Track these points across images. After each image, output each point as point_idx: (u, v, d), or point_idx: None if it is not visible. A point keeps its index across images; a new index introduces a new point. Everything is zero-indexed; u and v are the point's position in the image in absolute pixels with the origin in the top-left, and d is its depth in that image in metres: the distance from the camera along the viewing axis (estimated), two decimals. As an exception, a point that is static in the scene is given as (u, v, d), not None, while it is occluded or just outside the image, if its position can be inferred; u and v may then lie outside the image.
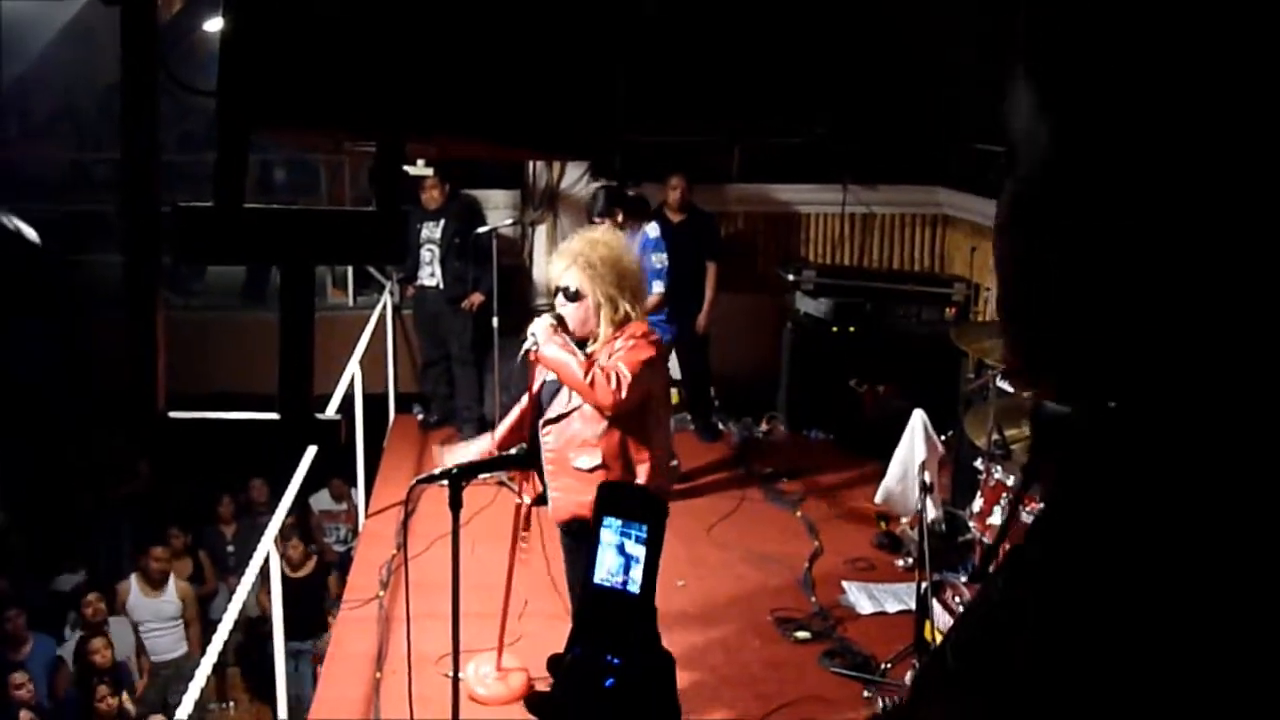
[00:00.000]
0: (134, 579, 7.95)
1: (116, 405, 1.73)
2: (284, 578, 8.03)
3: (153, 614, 7.90)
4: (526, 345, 4.25)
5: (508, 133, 1.75)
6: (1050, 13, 0.79)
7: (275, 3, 1.56)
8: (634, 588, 1.52)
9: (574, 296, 4.20)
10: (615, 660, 1.49)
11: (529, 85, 1.63)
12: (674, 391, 7.47)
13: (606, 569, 1.54)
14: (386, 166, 1.76)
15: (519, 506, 4.75)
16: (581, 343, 4.19)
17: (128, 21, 1.60)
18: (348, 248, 1.81)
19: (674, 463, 5.53)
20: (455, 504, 3.04)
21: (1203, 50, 0.68)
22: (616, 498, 1.58)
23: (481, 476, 3.84)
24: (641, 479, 4.25)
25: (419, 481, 3.31)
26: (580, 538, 4.34)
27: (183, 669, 7.83)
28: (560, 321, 4.21)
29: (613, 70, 1.69)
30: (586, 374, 4.06)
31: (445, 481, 3.23)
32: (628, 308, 4.18)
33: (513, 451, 3.67)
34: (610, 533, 1.55)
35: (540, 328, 4.21)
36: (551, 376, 4.26)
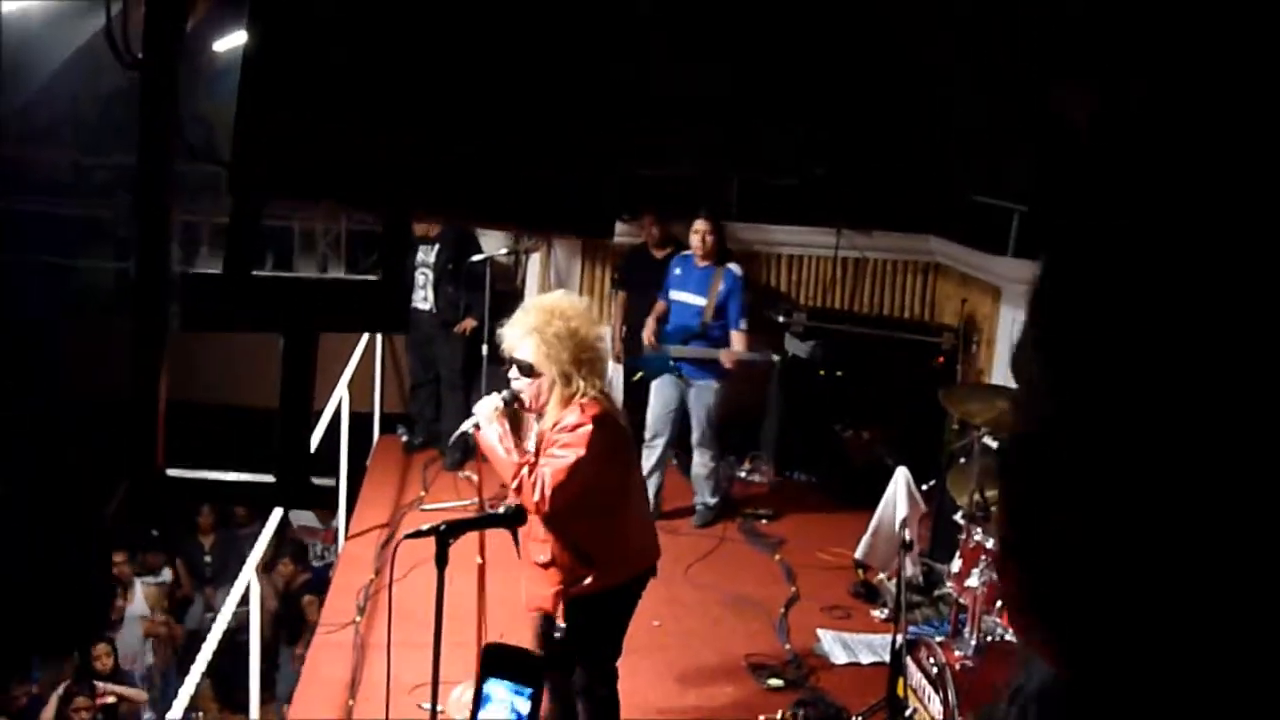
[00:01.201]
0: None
1: (118, 458, 1.76)
2: (276, 591, 8.06)
3: (128, 620, 7.91)
4: (466, 426, 4.24)
5: (513, 214, 1.79)
6: (1069, 296, 0.83)
7: (290, 79, 1.59)
8: None
9: (528, 372, 4.08)
10: None
11: (535, 170, 1.67)
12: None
13: None
14: (393, 239, 1.80)
15: (481, 566, 4.76)
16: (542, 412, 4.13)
17: (147, 87, 1.63)
18: (353, 316, 1.85)
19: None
20: (441, 561, 3.06)
21: (1224, 350, 0.72)
22: (501, 660, 1.67)
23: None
24: (596, 571, 4.17)
25: (407, 536, 3.33)
26: (567, 616, 4.29)
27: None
28: (514, 400, 4.13)
29: (615, 155, 1.72)
30: (514, 477, 4.03)
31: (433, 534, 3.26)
32: (582, 383, 4.03)
33: (500, 510, 3.68)
34: (497, 694, 1.64)
35: (484, 409, 4.17)
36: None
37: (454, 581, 3.16)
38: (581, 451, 3.98)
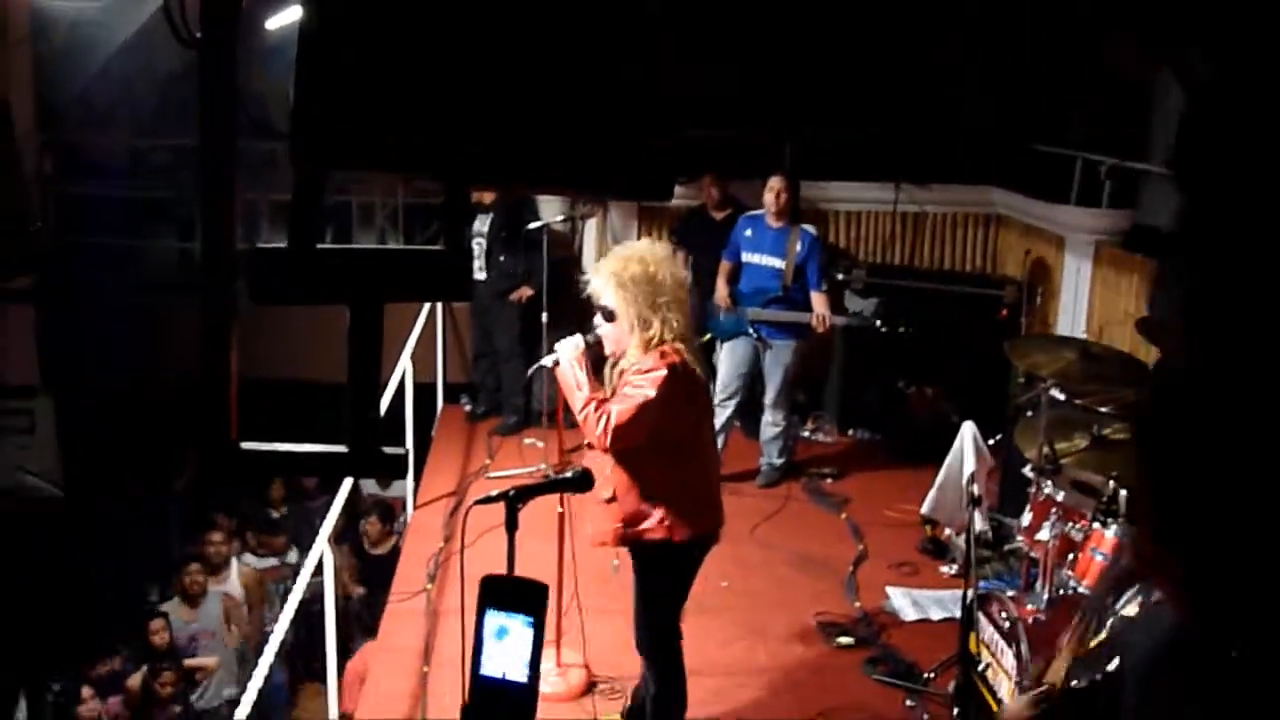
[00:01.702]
0: (174, 603, 7.91)
1: (191, 434, 1.79)
2: (363, 553, 8.14)
3: (212, 597, 8.00)
4: (546, 360, 4.36)
5: (571, 180, 1.79)
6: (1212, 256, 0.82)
7: (349, 49, 1.59)
8: (519, 676, 1.57)
9: (610, 317, 4.17)
10: None
11: (591, 134, 1.66)
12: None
13: (493, 661, 1.59)
14: (453, 208, 1.80)
15: (562, 515, 4.87)
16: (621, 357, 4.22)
17: (206, 66, 1.64)
18: (417, 286, 1.86)
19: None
20: (511, 526, 3.08)
21: None
22: (499, 591, 1.64)
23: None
24: (658, 514, 4.23)
25: (477, 502, 3.35)
26: (633, 559, 4.44)
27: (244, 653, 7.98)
28: (597, 342, 4.23)
29: (670, 120, 1.71)
30: (582, 409, 4.12)
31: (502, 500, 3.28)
32: (659, 327, 4.09)
33: (568, 474, 3.70)
34: (494, 624, 1.61)
35: (566, 348, 4.26)
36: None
37: (524, 546, 3.18)
38: (650, 394, 4.04)
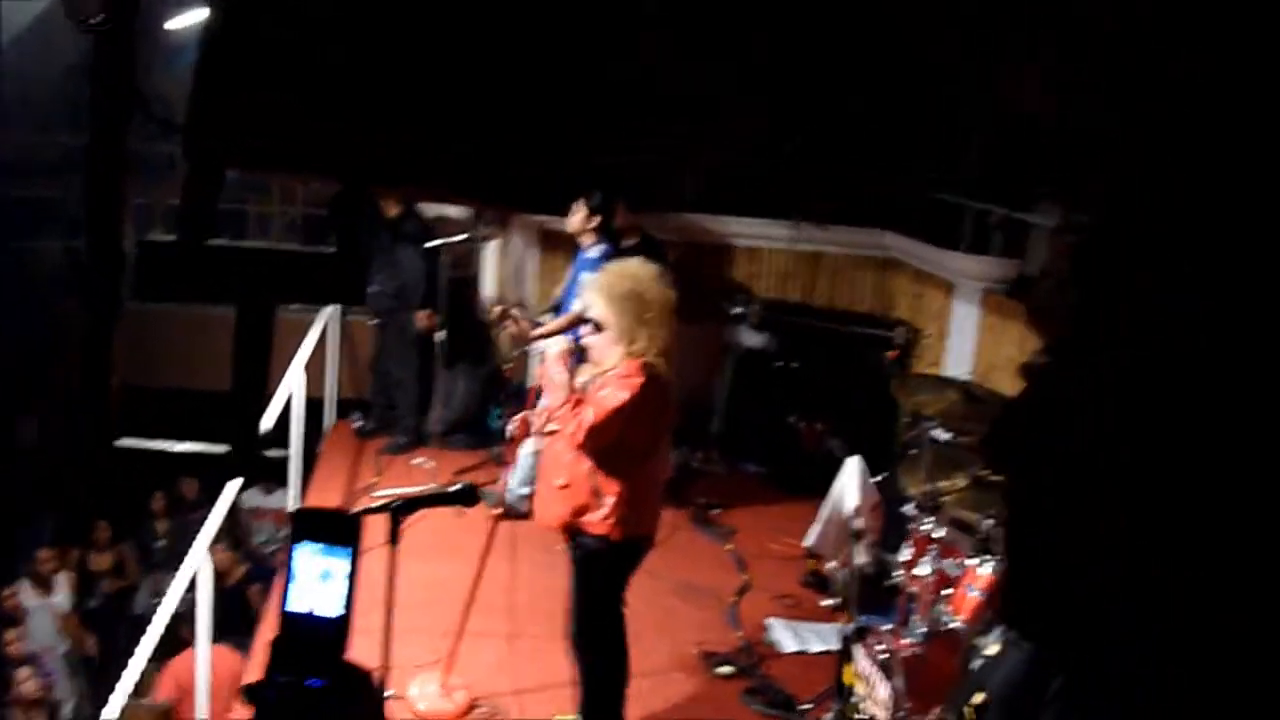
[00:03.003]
0: (25, 583, 7.85)
1: (69, 431, 1.75)
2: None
3: (42, 614, 7.86)
4: (534, 353, 4.52)
5: (471, 189, 1.79)
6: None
7: (248, 50, 1.59)
8: (332, 611, 1.51)
9: (598, 329, 4.40)
10: (316, 684, 1.48)
11: (493, 145, 1.67)
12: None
13: (303, 596, 1.53)
14: (349, 209, 1.79)
15: (494, 520, 5.14)
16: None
17: (101, 53, 1.62)
18: (309, 288, 1.85)
19: None
20: (394, 539, 3.05)
21: None
22: (312, 523, 1.58)
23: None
24: (604, 510, 4.43)
25: (359, 513, 3.30)
26: (571, 549, 4.63)
27: (73, 662, 7.82)
28: (581, 350, 4.48)
29: (577, 137, 1.73)
30: (560, 407, 4.37)
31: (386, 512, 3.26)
32: (643, 342, 4.33)
33: (452, 489, 3.71)
34: (307, 558, 1.54)
35: (554, 346, 4.54)
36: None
37: (405, 567, 3.15)
38: (624, 397, 4.27)
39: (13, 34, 8.37)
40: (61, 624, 7.82)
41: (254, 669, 5.59)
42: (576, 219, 7.11)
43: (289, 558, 1.48)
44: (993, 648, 2.85)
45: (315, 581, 1.50)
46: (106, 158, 1.34)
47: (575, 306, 6.87)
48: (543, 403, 6.41)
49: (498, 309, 6.94)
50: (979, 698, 2.76)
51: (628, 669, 4.79)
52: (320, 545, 1.50)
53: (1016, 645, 2.71)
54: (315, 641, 1.49)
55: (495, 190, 1.57)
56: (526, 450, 7.10)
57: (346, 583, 1.48)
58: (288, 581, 1.48)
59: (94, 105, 1.34)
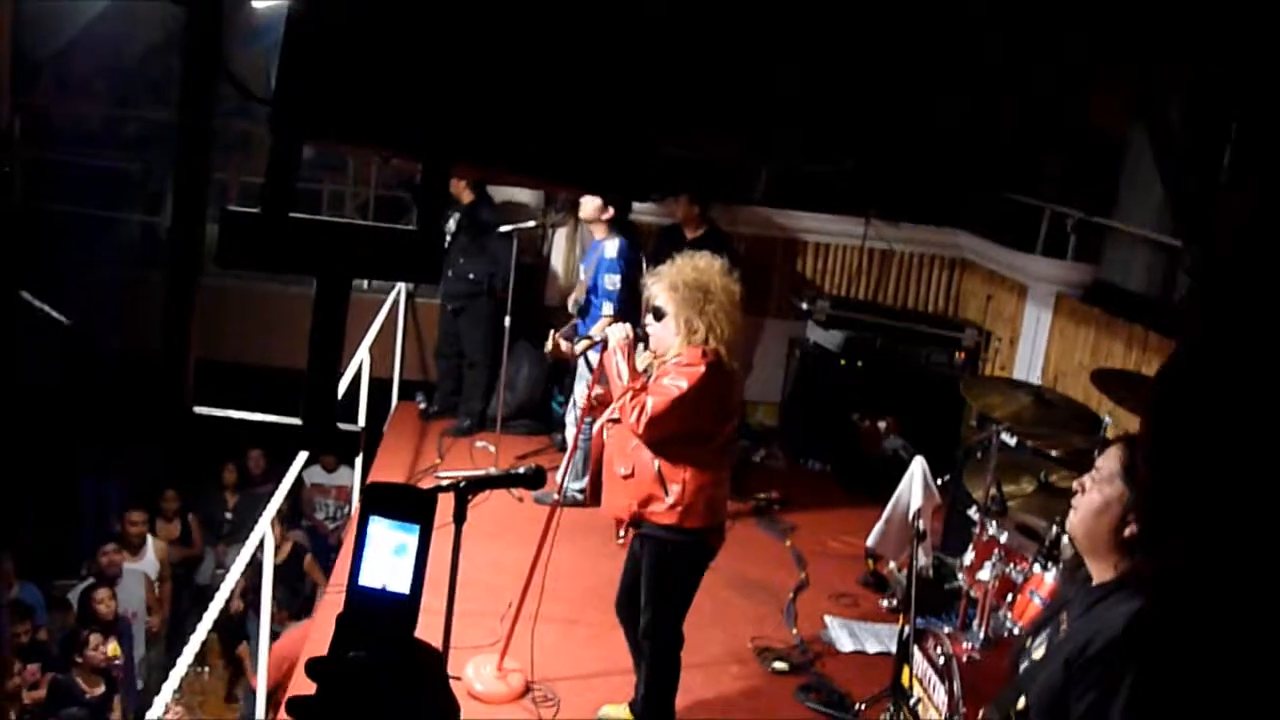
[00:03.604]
0: (113, 545, 7.95)
1: (143, 397, 1.77)
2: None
3: (132, 578, 7.94)
4: (596, 337, 4.75)
5: (553, 170, 1.78)
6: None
7: (336, 19, 1.59)
8: (401, 588, 1.49)
9: (659, 316, 4.41)
10: (382, 662, 1.47)
11: (577, 125, 1.67)
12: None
13: (373, 571, 1.51)
14: (431, 188, 1.79)
15: (554, 507, 5.08)
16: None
17: (194, 20, 1.63)
18: (387, 264, 1.85)
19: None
20: (459, 517, 3.07)
21: None
22: (384, 496, 1.55)
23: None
24: (670, 499, 4.41)
25: (435, 490, 3.34)
26: (639, 541, 4.63)
27: (153, 627, 7.92)
28: (644, 337, 4.50)
29: (654, 116, 1.72)
30: (620, 397, 4.38)
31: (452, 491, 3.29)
32: (704, 331, 4.32)
33: (521, 470, 3.73)
34: (379, 533, 1.53)
35: (615, 333, 4.54)
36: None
37: (489, 549, 3.17)
38: (684, 385, 4.27)
39: (97, 10, 8.51)
40: (149, 591, 7.89)
41: (317, 644, 5.66)
42: (589, 207, 7.14)
43: (360, 531, 1.48)
44: (1039, 651, 2.79)
45: (387, 556, 1.48)
46: (194, 131, 1.36)
47: (606, 309, 6.91)
48: (581, 390, 6.48)
49: (549, 344, 6.92)
50: (1023, 702, 2.71)
51: (679, 668, 4.77)
52: (392, 520, 1.49)
53: (1059, 648, 2.67)
54: (384, 618, 1.48)
55: (579, 175, 1.58)
56: (572, 441, 7.13)
57: (417, 559, 1.47)
58: (358, 555, 1.47)
59: (184, 78, 1.35)
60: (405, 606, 1.54)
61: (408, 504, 1.58)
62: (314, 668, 1.55)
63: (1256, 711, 0.84)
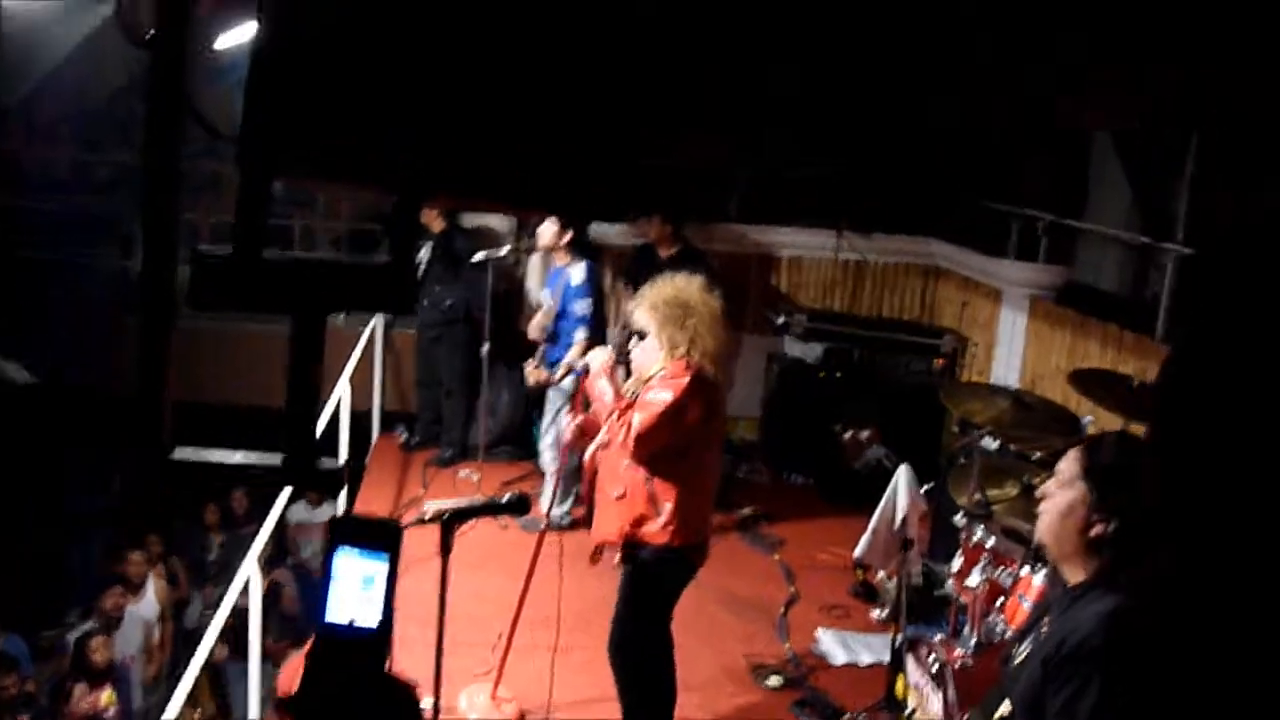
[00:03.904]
0: (118, 588, 7.85)
1: (122, 440, 1.76)
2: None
3: (130, 619, 7.85)
4: (577, 367, 4.78)
5: (527, 197, 1.79)
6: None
7: (304, 54, 1.59)
8: (369, 622, 1.47)
9: (642, 336, 4.45)
10: (355, 697, 1.45)
11: (548, 152, 1.67)
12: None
13: (341, 606, 1.48)
14: (403, 219, 1.79)
15: (541, 534, 5.15)
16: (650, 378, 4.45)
17: (158, 62, 1.63)
18: (362, 298, 1.85)
19: None
20: (446, 548, 3.06)
21: None
22: (350, 529, 1.52)
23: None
24: (662, 518, 4.40)
25: (409, 524, 3.33)
26: (623, 563, 4.61)
27: (153, 670, 7.83)
28: (624, 358, 4.58)
29: (630, 139, 1.72)
30: (608, 418, 4.41)
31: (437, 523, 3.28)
32: (686, 347, 4.34)
33: (505, 499, 3.72)
34: (346, 565, 1.49)
35: (597, 359, 4.57)
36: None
37: (474, 579, 3.16)
38: (670, 397, 4.29)
39: (62, 54, 8.50)
40: (145, 635, 7.79)
41: (290, 680, 5.63)
42: (547, 234, 7.17)
43: (326, 564, 1.46)
44: (1022, 655, 2.82)
45: (355, 589, 1.47)
46: (161, 171, 1.35)
47: (579, 335, 6.93)
48: (551, 417, 6.51)
49: (529, 379, 7.00)
50: (1006, 707, 2.74)
51: (675, 683, 4.76)
52: (360, 550, 1.47)
53: (1038, 649, 2.69)
54: (355, 652, 1.46)
55: (553, 200, 1.57)
56: (550, 468, 7.15)
57: (386, 590, 1.45)
58: (324, 589, 1.45)
59: (149, 119, 1.35)
60: (374, 640, 1.51)
61: (375, 534, 1.56)
62: (288, 705, 1.53)
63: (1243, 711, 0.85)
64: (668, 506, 4.39)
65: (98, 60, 8.90)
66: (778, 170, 9.40)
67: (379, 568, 1.48)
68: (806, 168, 9.40)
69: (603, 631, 4.94)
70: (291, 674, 5.79)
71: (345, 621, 1.47)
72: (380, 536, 1.51)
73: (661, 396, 4.30)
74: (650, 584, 4.60)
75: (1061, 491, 2.70)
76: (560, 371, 6.95)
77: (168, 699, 4.15)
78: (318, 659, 1.47)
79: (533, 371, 7.07)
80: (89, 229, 9.72)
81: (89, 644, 7.05)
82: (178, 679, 4.79)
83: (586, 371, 4.65)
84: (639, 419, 4.29)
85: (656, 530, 4.43)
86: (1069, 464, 2.72)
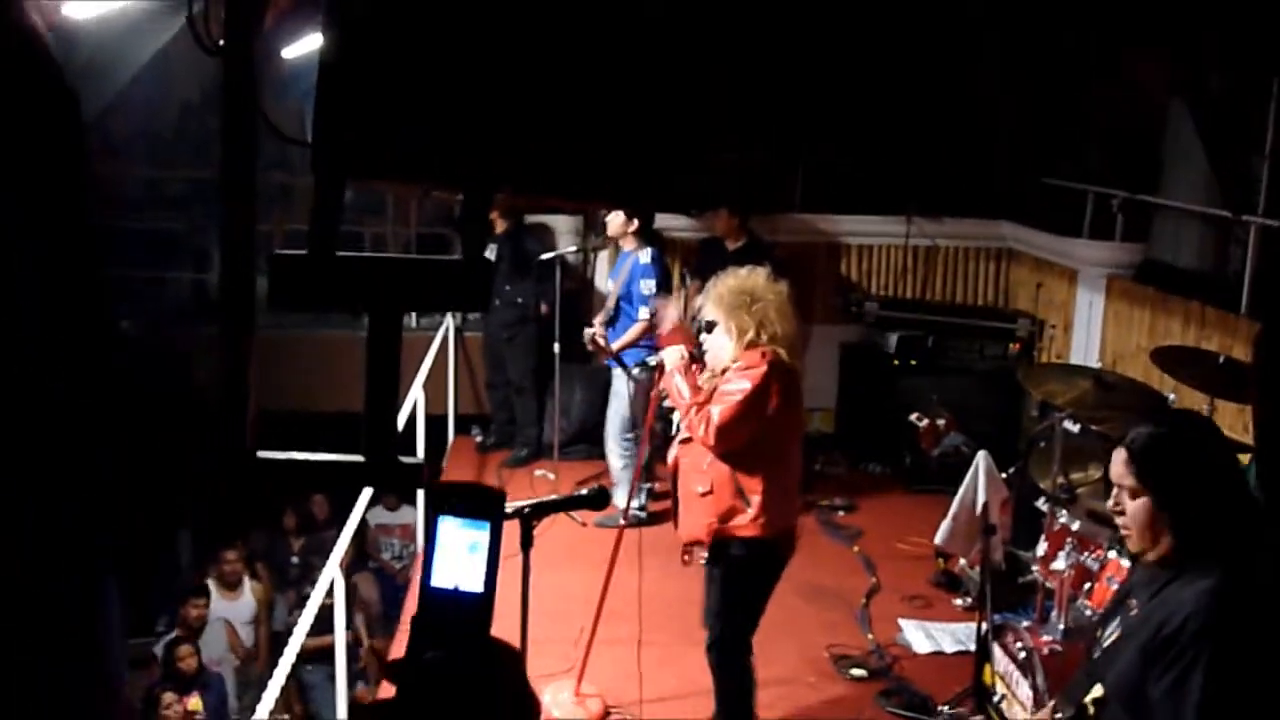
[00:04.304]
0: (211, 583, 8.00)
1: (207, 441, 1.78)
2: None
3: (233, 616, 7.98)
4: (653, 360, 4.77)
5: (593, 190, 1.79)
6: None
7: (372, 57, 1.60)
8: (475, 587, 1.46)
9: (711, 328, 4.43)
10: (461, 660, 1.44)
11: (615, 143, 1.66)
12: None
13: (446, 571, 1.48)
14: (474, 217, 1.80)
15: (620, 530, 5.16)
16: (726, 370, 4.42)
17: (229, 71, 1.65)
18: (435, 296, 1.86)
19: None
20: (526, 543, 3.07)
21: None
22: (452, 497, 1.52)
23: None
24: (752, 511, 4.35)
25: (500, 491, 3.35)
26: (711, 561, 4.56)
27: (249, 672, 7.94)
28: (700, 355, 4.51)
29: (696, 129, 1.71)
30: (686, 414, 4.36)
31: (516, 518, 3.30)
32: (754, 332, 4.30)
33: (584, 492, 3.72)
34: (449, 533, 1.49)
35: (672, 355, 4.56)
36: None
37: (559, 576, 3.16)
38: (748, 387, 4.24)
39: (133, 72, 8.65)
40: (233, 637, 7.90)
41: (396, 648, 5.69)
42: (616, 222, 7.21)
43: (430, 532, 1.47)
44: (1111, 638, 2.77)
45: (459, 556, 1.47)
46: (237, 181, 1.37)
47: (643, 314, 6.96)
48: (616, 410, 6.52)
49: (589, 336, 7.06)
50: (1098, 690, 2.69)
51: (753, 669, 4.72)
52: (462, 520, 1.47)
53: (1133, 634, 2.64)
54: (460, 617, 1.47)
55: (619, 192, 1.57)
56: (617, 465, 7.18)
57: (490, 556, 1.45)
58: (429, 557, 1.46)
59: (224, 125, 1.37)
60: (480, 604, 1.51)
61: (476, 502, 1.56)
62: (393, 670, 1.54)
63: None
64: (756, 499, 4.33)
65: (169, 76, 9.06)
66: (824, 168, 9.38)
67: (481, 535, 1.48)
68: (850, 165, 9.38)
69: (683, 625, 4.94)
70: (399, 643, 5.87)
71: (449, 586, 1.47)
72: (482, 503, 1.51)
73: (740, 386, 4.25)
74: (744, 579, 4.54)
75: (1133, 503, 2.68)
76: (621, 342, 6.98)
77: (257, 700, 4.22)
78: (423, 624, 1.47)
79: (592, 332, 7.12)
80: (163, 246, 9.91)
81: (177, 651, 7.16)
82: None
83: (661, 369, 4.64)
84: (718, 412, 4.24)
85: (746, 523, 4.37)
86: (1122, 474, 2.71)
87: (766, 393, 4.25)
